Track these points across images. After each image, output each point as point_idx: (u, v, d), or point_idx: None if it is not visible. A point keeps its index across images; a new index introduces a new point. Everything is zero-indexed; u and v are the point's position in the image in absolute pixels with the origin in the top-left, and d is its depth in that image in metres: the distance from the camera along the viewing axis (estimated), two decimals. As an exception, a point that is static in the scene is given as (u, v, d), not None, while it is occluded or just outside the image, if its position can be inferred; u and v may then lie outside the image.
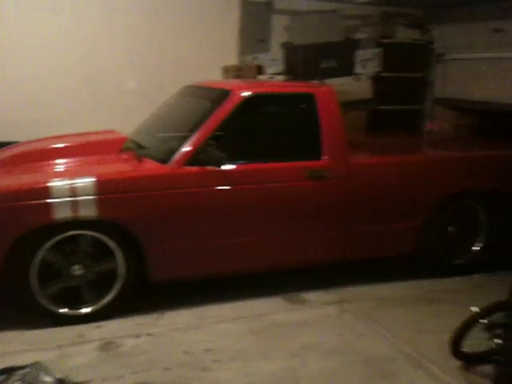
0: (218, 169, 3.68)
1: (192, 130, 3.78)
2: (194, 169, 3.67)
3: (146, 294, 3.93)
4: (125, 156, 3.91)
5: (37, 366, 2.91)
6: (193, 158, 3.67)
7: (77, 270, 3.55)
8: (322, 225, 4.09)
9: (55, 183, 3.38)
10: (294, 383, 3.02)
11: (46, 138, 4.31)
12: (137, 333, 3.49)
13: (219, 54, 6.23)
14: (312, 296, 4.11)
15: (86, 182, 3.42)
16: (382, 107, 6.46)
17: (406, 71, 6.55)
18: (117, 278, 3.63)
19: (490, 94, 5.75)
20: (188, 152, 3.68)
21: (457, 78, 6.31)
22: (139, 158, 3.75)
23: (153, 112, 4.67)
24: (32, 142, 4.30)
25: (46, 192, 3.35)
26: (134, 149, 3.91)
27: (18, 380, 2.76)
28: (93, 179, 3.44)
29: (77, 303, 3.60)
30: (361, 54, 6.21)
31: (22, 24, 5.51)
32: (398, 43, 6.50)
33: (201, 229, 3.74)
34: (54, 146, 3.98)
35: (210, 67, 6.10)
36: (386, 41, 6.46)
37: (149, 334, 3.48)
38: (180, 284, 3.99)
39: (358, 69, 6.21)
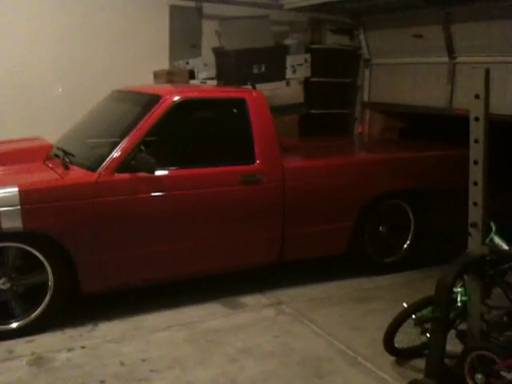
0: (149, 175, 3.62)
1: (122, 135, 3.71)
2: (125, 176, 3.59)
3: (79, 306, 3.81)
4: (51, 164, 3.78)
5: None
6: (123, 165, 3.60)
7: (4, 283, 3.40)
8: (257, 228, 4.11)
9: (-24, 194, 3.23)
10: (233, 388, 3.01)
11: (-33, 147, 4.10)
12: (70, 346, 3.38)
13: (150, 59, 6.15)
14: (249, 300, 4.12)
15: (8, 191, 3.28)
16: (314, 111, 6.59)
17: (335, 76, 6.72)
18: (47, 291, 3.50)
19: (415, 97, 5.99)
20: (117, 158, 3.61)
21: (383, 82, 6.54)
22: (66, 166, 3.63)
23: (80, 118, 4.54)
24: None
25: (-33, 203, 3.19)
26: (60, 156, 3.78)
27: None
28: (16, 189, 3.30)
29: (5, 317, 3.44)
30: (291, 60, 6.31)
31: None
32: (327, 49, 6.65)
33: (133, 237, 3.67)
34: (-25, 155, 3.80)
35: (142, 72, 6.01)
36: (315, 46, 6.60)
37: (82, 347, 3.38)
38: (113, 294, 3.89)
39: (289, 74, 6.31)
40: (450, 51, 5.53)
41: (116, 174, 3.58)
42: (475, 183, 2.84)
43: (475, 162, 2.82)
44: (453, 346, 3.08)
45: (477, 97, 2.77)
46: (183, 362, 3.24)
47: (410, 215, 4.75)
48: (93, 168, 3.59)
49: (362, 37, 6.62)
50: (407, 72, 6.12)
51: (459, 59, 5.49)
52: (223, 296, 4.12)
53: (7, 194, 3.28)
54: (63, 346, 3.38)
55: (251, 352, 3.38)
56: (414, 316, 3.18)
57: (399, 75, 6.26)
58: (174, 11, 6.17)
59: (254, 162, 4.03)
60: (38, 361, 3.21)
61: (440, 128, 5.80)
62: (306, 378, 3.13)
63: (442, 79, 5.67)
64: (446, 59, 5.59)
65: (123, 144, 3.65)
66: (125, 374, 3.10)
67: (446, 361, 2.97)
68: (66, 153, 3.78)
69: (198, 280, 4.19)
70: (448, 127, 5.57)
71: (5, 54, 5.51)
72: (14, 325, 3.46)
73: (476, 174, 2.83)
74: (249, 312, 3.94)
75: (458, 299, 3.06)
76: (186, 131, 3.99)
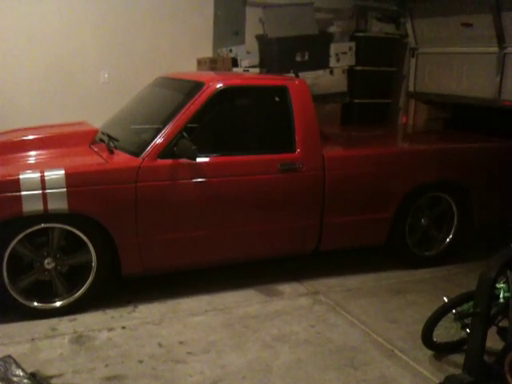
0: (190, 161, 3.66)
1: (165, 122, 3.75)
2: (167, 161, 3.64)
3: (120, 287, 3.91)
4: (96, 148, 3.86)
5: (8, 360, 2.87)
6: (165, 151, 3.64)
7: (48, 263, 3.51)
8: (295, 216, 4.10)
9: (25, 176, 3.33)
10: (267, 374, 3.03)
11: (16, 130, 4.22)
12: (110, 326, 3.48)
13: (194, 46, 6.21)
14: (285, 288, 4.13)
15: (55, 174, 3.37)
16: (356, 100, 6.52)
17: (380, 65, 6.61)
18: (90, 271, 3.60)
19: (461, 87, 5.84)
20: (160, 144, 3.65)
21: (429, 71, 6.39)
22: (111, 151, 3.71)
23: (125, 104, 4.62)
24: (1, 133, 4.21)
25: (15, 184, 3.29)
26: (105, 141, 3.86)
27: (-12, 374, 2.72)
28: (62, 172, 3.39)
29: (49, 296, 3.57)
30: (335, 48, 6.24)
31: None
32: (372, 37, 6.54)
33: (172, 222, 3.72)
34: (23, 138, 3.88)
35: (185, 59, 6.08)
36: (360, 34, 6.50)
37: (122, 327, 3.47)
38: (153, 276, 3.98)
39: (333, 62, 6.25)
40: (500, 41, 5.35)
41: (158, 160, 3.63)
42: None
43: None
44: (493, 342, 3.02)
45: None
46: (219, 346, 3.29)
47: (454, 208, 4.64)
48: (136, 153, 3.65)
49: (408, 25, 6.48)
50: (454, 61, 5.97)
51: (510, 49, 5.31)
52: (260, 283, 4.14)
53: (54, 177, 3.37)
54: (104, 325, 3.48)
55: (286, 339, 3.40)
56: (454, 311, 3.13)
57: (446, 65, 6.11)
58: (219, -2, 6.20)
59: (294, 150, 4.02)
60: (79, 339, 3.31)
61: (486, 119, 5.65)
62: (340, 367, 3.13)
63: (490, 69, 5.50)
64: (495, 49, 5.43)
65: (166, 130, 3.69)
66: (162, 355, 3.17)
67: (486, 357, 2.92)
68: (110, 137, 3.87)
69: (235, 266, 4.23)
70: (495, 119, 5.42)
71: (50, 41, 5.64)
72: (58, 303, 3.58)
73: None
74: (285, 300, 3.95)
75: (501, 295, 2.97)
76: (228, 118, 4.02)
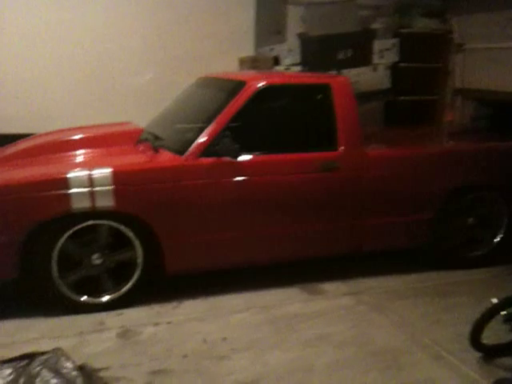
0: (232, 160, 3.68)
1: (207, 121, 3.79)
2: (209, 160, 3.68)
3: (165, 283, 3.96)
4: (141, 147, 3.94)
5: (58, 352, 2.96)
6: (208, 150, 3.68)
7: (96, 258, 3.60)
8: (337, 216, 4.07)
9: (73, 174, 3.43)
10: (309, 373, 3.03)
11: (63, 130, 4.35)
12: (156, 321, 3.54)
13: (235, 46, 6.23)
14: (328, 287, 4.11)
15: (103, 172, 3.46)
16: (400, 98, 6.41)
17: (425, 61, 6.47)
18: (136, 267, 3.68)
19: (509, 84, 5.67)
20: (203, 143, 3.69)
21: (476, 68, 6.23)
22: (155, 150, 3.78)
23: (169, 103, 4.69)
24: (49, 133, 4.33)
25: (64, 183, 3.39)
26: (150, 140, 3.93)
27: (40, 365, 2.81)
28: (110, 170, 3.47)
29: (97, 291, 3.66)
30: (378, 44, 6.16)
31: (27, 16, 5.51)
32: (416, 33, 6.42)
33: (215, 220, 3.75)
34: (71, 137, 4.01)
35: (227, 59, 6.10)
36: (403, 31, 6.39)
37: (168, 323, 3.52)
38: (197, 273, 4.02)
39: (376, 59, 6.16)
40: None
41: (201, 159, 3.68)
42: None
43: None
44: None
45: None
46: (261, 344, 3.30)
47: (504, 207, 4.50)
48: (180, 152, 3.70)
49: (454, 20, 6.33)
50: (503, 57, 5.80)
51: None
52: (302, 282, 4.13)
53: (101, 175, 3.45)
54: (150, 320, 3.55)
55: (328, 339, 3.38)
56: (503, 312, 3.05)
57: (494, 60, 5.93)
58: (261, -3, 6.21)
59: (336, 148, 4.00)
60: (126, 333, 3.38)
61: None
62: (383, 368, 3.08)
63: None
64: (546, 43, 5.26)
65: (208, 129, 3.73)
66: (206, 350, 3.21)
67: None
68: (155, 136, 3.94)
69: (277, 264, 4.23)
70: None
71: (94, 43, 5.76)
72: (105, 298, 3.67)
73: None
74: (327, 299, 3.92)
75: (551, 297, 2.90)
76: (270, 117, 4.03)
